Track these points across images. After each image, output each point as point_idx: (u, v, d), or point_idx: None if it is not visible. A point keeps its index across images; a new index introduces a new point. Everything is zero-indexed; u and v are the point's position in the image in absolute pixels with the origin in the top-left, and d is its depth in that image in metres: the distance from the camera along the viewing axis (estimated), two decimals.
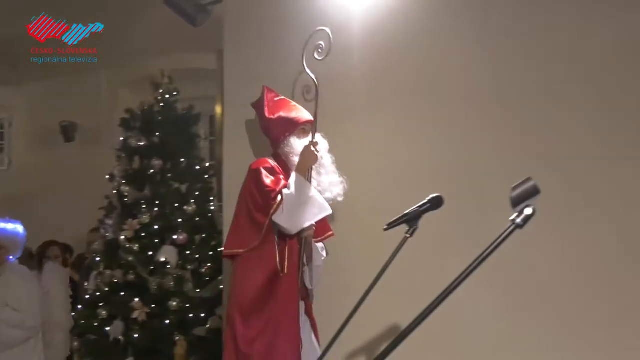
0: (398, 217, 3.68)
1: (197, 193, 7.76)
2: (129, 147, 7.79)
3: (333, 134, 5.15)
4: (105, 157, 8.48)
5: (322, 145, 4.96)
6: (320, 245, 4.97)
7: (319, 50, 4.84)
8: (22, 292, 5.82)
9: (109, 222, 7.65)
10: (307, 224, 4.71)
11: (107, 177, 7.92)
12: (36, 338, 6.07)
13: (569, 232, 5.10)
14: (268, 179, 4.75)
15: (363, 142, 5.33)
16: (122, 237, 7.42)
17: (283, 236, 4.74)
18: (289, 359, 4.60)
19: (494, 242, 2.53)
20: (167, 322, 7.08)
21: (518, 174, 2.75)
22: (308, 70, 4.92)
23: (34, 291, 6.02)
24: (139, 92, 9.09)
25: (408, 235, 3.60)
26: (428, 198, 3.67)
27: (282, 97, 5.14)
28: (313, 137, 4.83)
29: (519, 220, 2.53)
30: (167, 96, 7.99)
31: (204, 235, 7.68)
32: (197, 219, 7.66)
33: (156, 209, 7.50)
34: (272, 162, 4.92)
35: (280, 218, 4.61)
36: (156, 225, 7.46)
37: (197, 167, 7.92)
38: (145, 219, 7.45)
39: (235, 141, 5.58)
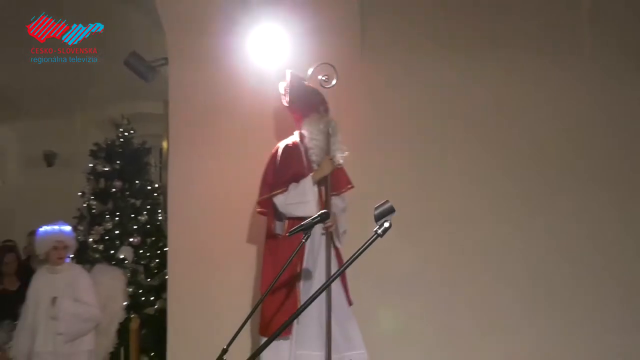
0: (297, 226, 3.48)
1: (148, 207, 7.69)
2: (96, 171, 7.73)
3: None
4: (78, 179, 8.33)
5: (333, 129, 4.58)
6: (341, 199, 4.63)
7: (325, 81, 4.60)
8: (88, 286, 5.21)
9: (80, 228, 7.56)
10: (292, 216, 4.41)
11: (79, 194, 7.86)
12: None
13: (422, 238, 5.34)
14: (284, 165, 4.52)
15: None
16: (90, 240, 7.36)
17: None
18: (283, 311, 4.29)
19: (361, 247, 2.58)
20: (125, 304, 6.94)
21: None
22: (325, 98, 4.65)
23: (93, 285, 5.33)
24: (105, 129, 8.98)
25: (304, 240, 3.49)
26: (318, 213, 3.47)
27: (305, 83, 4.72)
28: (329, 152, 4.50)
29: (379, 231, 2.54)
30: (126, 133, 7.92)
31: (153, 239, 7.63)
32: (148, 226, 7.63)
33: (117, 219, 7.44)
34: (297, 141, 4.64)
35: (278, 200, 4.43)
36: (117, 230, 7.41)
37: (149, 187, 7.85)
38: (109, 225, 7.40)
39: (177, 169, 5.49)
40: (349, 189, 4.65)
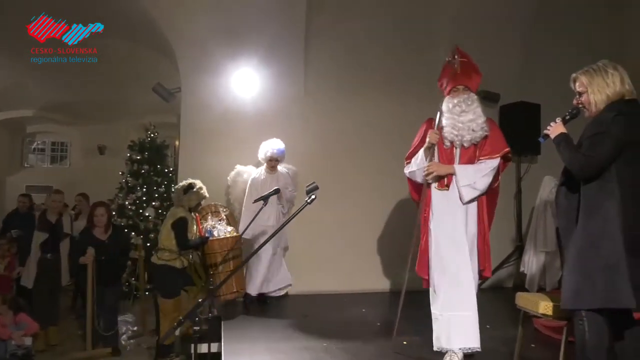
0: (259, 197, 3.45)
1: (165, 182, 7.48)
2: (132, 159, 7.47)
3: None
4: (120, 163, 8.13)
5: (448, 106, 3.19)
6: (483, 163, 3.12)
7: (451, 60, 3.26)
8: (289, 180, 4.73)
9: (120, 195, 7.37)
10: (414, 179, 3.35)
11: (120, 173, 7.66)
12: None
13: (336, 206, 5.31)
14: (415, 141, 3.37)
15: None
16: (126, 203, 7.11)
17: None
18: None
19: (297, 210, 2.60)
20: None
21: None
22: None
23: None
24: (139, 132, 8.77)
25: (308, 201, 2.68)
26: (273, 189, 3.43)
27: (449, 63, 3.29)
28: (436, 127, 3.21)
29: (308, 200, 2.60)
30: (152, 135, 7.69)
31: (168, 203, 7.21)
32: (165, 195, 7.36)
33: (144, 189, 7.24)
34: (432, 118, 3.31)
35: (405, 171, 3.40)
36: (144, 197, 7.19)
37: (166, 170, 7.64)
38: (139, 194, 7.18)
39: (184, 158, 5.42)
40: (493, 157, 3.14)
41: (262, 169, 4.78)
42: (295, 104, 5.44)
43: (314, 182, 2.84)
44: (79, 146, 11.71)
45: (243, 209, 4.70)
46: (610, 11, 6.02)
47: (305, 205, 2.69)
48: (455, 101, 3.18)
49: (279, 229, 2.85)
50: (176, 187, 4.58)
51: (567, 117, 2.52)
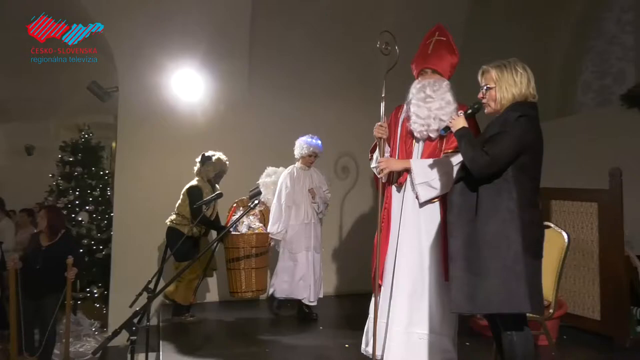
0: (202, 200, 3.43)
1: (100, 185, 7.18)
2: (63, 160, 7.14)
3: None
4: (50, 165, 7.71)
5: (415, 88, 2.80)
6: (447, 157, 2.71)
7: (384, 49, 2.85)
8: (324, 179, 4.57)
9: (50, 199, 7.01)
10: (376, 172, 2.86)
11: (50, 175, 7.28)
12: None
13: None
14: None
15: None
16: (58, 206, 6.70)
17: None
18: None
19: (240, 215, 2.59)
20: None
21: None
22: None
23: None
24: (72, 132, 8.36)
25: (252, 205, 2.63)
26: (215, 193, 3.40)
27: (431, 41, 2.84)
28: (382, 119, 2.85)
29: (251, 205, 2.60)
30: (87, 135, 7.39)
31: (103, 207, 7.08)
32: (100, 199, 7.10)
33: (77, 193, 6.93)
34: (401, 106, 2.91)
35: (371, 163, 2.95)
36: (77, 201, 6.89)
37: (101, 172, 7.34)
38: (71, 197, 6.88)
39: (121, 161, 5.20)
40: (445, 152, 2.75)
41: (295, 166, 4.52)
42: (239, 105, 5.36)
43: (257, 187, 2.84)
44: (4, 146, 10.93)
45: (273, 207, 4.37)
46: (535, 20, 6.29)
47: (249, 210, 2.69)
48: (420, 85, 2.77)
49: (221, 236, 2.80)
50: (196, 159, 4.48)
51: (469, 112, 2.44)
